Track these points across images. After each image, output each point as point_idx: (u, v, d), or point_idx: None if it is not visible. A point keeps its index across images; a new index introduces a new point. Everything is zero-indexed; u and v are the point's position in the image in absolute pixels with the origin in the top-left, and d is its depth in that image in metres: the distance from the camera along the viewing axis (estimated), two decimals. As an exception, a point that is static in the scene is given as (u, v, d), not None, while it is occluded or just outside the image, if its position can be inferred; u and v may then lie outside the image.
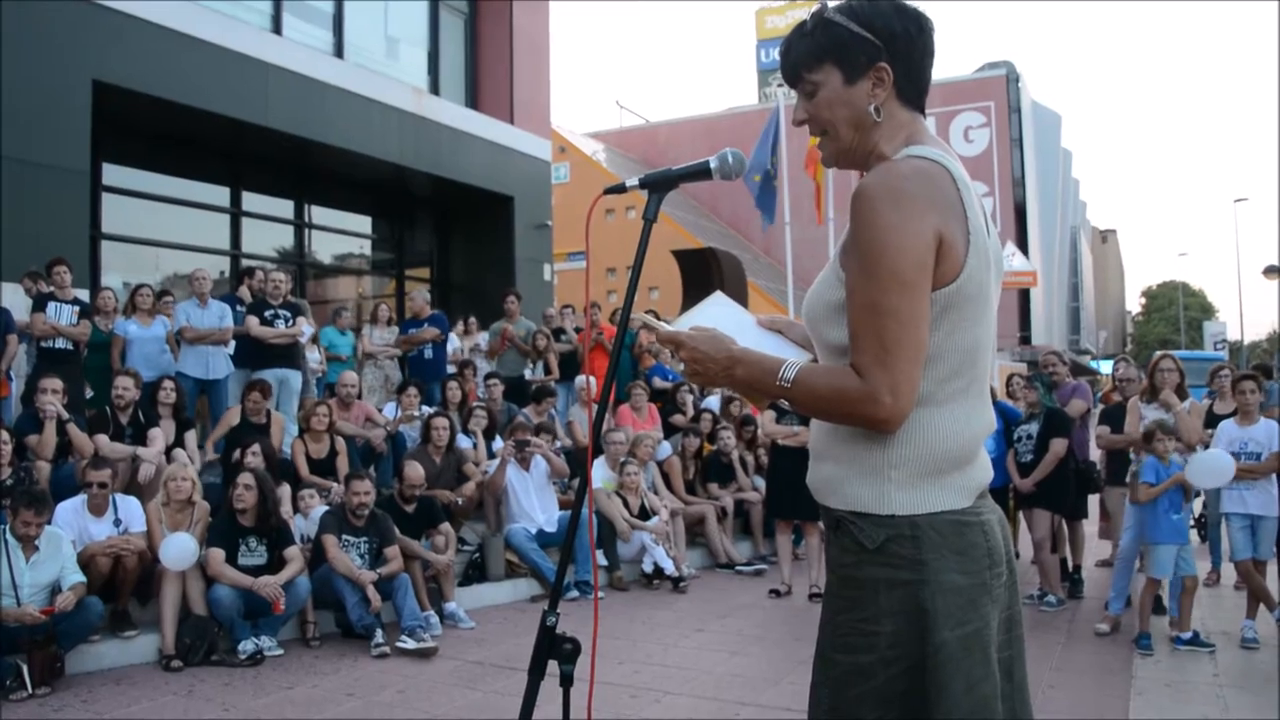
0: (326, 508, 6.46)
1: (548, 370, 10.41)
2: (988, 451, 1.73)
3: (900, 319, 1.50)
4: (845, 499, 1.63)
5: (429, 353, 9.68)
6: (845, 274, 1.60)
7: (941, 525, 1.56)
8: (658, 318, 2.20)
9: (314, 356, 9.35)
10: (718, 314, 1.83)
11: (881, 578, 1.56)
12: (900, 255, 1.50)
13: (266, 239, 13.53)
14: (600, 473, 8.17)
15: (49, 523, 5.20)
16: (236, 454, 6.56)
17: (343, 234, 14.97)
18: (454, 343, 10.73)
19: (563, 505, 7.97)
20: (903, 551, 1.55)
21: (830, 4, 1.68)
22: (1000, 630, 1.62)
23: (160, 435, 6.74)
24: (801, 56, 1.69)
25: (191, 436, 7.12)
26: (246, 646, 5.42)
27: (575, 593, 7.09)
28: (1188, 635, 5.60)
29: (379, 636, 5.65)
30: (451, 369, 9.73)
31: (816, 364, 1.68)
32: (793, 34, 1.72)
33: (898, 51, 1.64)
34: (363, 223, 15.35)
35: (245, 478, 5.86)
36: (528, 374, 10.35)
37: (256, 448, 6.50)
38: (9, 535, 4.97)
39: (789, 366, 1.61)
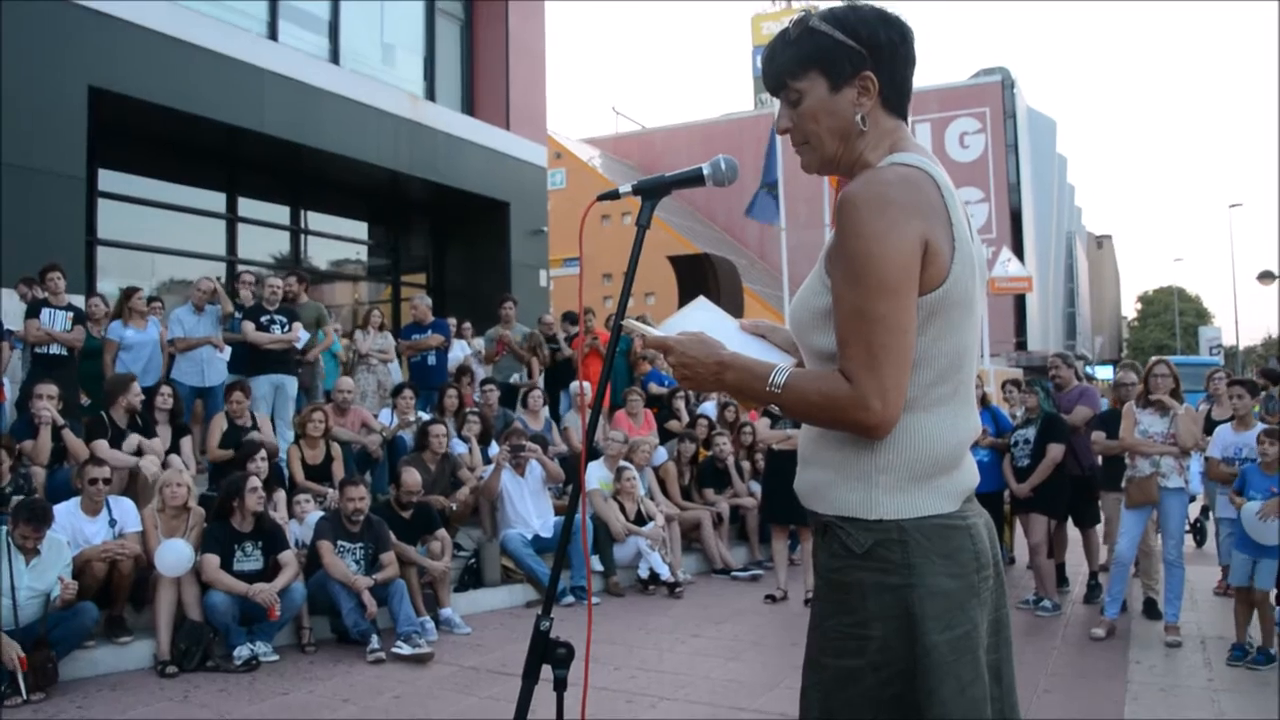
0: (322, 513, 6.46)
1: (529, 375, 10.42)
2: (976, 457, 1.74)
3: (887, 325, 1.51)
4: (832, 504, 1.63)
5: (432, 359, 9.73)
6: (830, 280, 1.60)
7: (929, 529, 1.56)
8: (647, 323, 2.19)
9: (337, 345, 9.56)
10: (702, 319, 1.81)
11: (870, 582, 1.56)
12: (886, 262, 1.50)
13: (262, 244, 13.54)
14: (597, 473, 8.18)
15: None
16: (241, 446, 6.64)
17: (338, 240, 15.01)
18: (465, 349, 10.74)
19: (558, 510, 7.96)
20: (890, 556, 1.55)
21: (814, 12, 1.68)
22: (988, 633, 1.63)
23: (158, 441, 6.74)
24: (786, 64, 1.68)
25: (188, 443, 7.11)
26: (242, 652, 5.41)
27: (570, 598, 7.09)
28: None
29: (375, 642, 5.65)
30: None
31: (806, 369, 1.68)
32: (776, 41, 1.71)
33: (882, 60, 1.64)
34: (358, 228, 15.37)
35: (254, 481, 5.88)
36: (515, 379, 10.34)
37: (264, 452, 6.51)
38: (9, 539, 4.95)
39: (779, 372, 1.61)
